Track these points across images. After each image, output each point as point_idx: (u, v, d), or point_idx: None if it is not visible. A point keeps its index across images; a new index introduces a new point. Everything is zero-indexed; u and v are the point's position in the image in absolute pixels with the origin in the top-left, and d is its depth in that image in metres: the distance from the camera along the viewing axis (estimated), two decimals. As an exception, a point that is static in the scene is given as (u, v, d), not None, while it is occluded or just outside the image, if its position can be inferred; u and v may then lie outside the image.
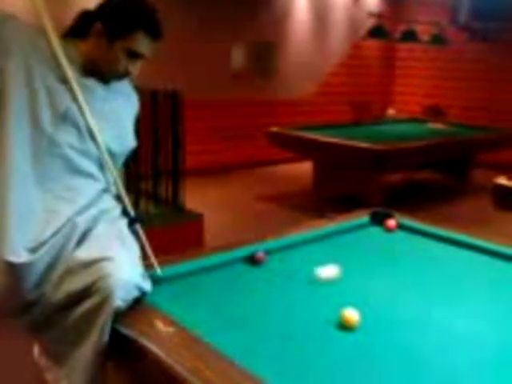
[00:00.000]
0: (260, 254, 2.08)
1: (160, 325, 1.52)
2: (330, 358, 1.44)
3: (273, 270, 2.05)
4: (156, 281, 1.81)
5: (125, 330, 1.53)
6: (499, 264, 2.16)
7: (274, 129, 5.92)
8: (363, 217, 2.65)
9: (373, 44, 8.51)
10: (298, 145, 5.74)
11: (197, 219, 4.08)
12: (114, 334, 1.55)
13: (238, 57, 7.03)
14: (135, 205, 3.98)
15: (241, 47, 7.03)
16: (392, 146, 5.10)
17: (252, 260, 2.08)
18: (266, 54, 7.32)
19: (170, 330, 1.50)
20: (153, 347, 1.42)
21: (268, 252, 2.13)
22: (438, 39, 7.46)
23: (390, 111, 8.91)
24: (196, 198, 4.74)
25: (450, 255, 2.28)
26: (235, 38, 6.93)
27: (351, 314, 1.59)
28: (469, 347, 1.52)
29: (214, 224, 4.47)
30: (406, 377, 1.37)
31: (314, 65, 7.96)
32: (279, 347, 1.49)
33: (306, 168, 6.28)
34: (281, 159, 7.36)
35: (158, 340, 1.45)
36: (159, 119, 4.00)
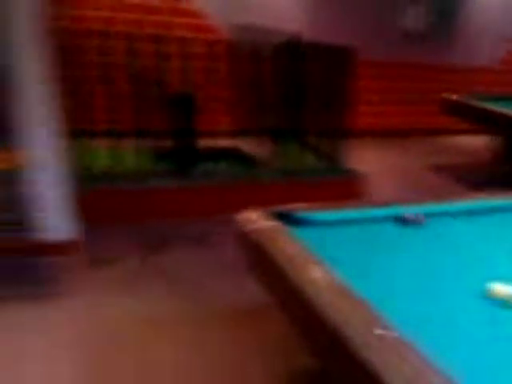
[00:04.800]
0: (411, 216, 2.07)
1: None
2: (473, 325, 1.42)
3: (428, 234, 2.02)
4: (311, 222, 1.92)
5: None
6: None
7: (453, 96, 5.57)
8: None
9: None
10: (481, 117, 5.27)
11: (359, 179, 4.07)
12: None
13: (413, 13, 6.56)
14: (299, 158, 4.10)
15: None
16: None
17: (403, 220, 2.07)
18: (448, 11, 6.71)
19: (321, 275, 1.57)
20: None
21: (425, 215, 2.10)
22: None
23: None
24: (365, 160, 4.69)
25: None
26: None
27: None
28: None
29: (378, 187, 4.40)
30: None
31: (501, 27, 7.13)
32: (416, 302, 1.50)
33: (482, 142, 5.84)
34: (456, 130, 6.91)
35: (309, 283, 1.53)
36: (331, 76, 4.01)
